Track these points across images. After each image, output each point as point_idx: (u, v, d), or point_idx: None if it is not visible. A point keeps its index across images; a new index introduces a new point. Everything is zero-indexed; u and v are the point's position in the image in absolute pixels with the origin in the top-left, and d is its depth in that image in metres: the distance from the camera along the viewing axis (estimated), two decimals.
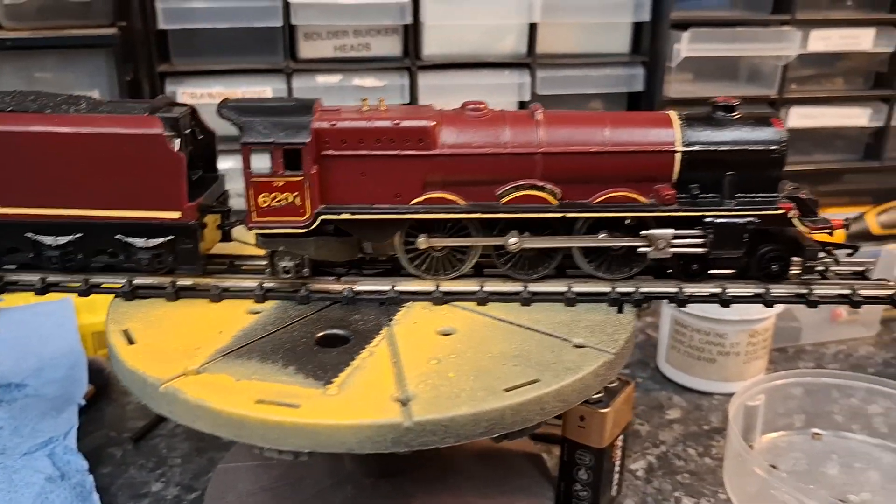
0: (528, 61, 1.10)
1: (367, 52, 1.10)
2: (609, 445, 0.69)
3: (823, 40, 1.14)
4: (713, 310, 0.86)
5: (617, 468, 0.72)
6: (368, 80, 1.08)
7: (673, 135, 0.60)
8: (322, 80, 1.07)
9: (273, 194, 0.59)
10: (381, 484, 0.70)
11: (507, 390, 0.52)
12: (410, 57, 1.08)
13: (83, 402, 0.82)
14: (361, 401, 0.51)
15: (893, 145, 1.23)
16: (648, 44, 1.11)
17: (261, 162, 0.59)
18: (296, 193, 0.59)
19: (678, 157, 0.60)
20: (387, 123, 0.59)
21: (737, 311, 0.88)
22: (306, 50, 1.09)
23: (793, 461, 0.81)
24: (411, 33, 1.07)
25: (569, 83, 1.11)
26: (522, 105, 1.12)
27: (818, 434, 0.85)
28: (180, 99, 1.04)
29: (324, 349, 0.57)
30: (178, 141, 0.60)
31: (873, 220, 1.18)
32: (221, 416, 0.50)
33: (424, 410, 0.50)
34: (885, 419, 0.84)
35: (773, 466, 0.80)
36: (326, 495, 0.69)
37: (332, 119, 0.59)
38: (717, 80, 1.19)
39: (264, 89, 1.06)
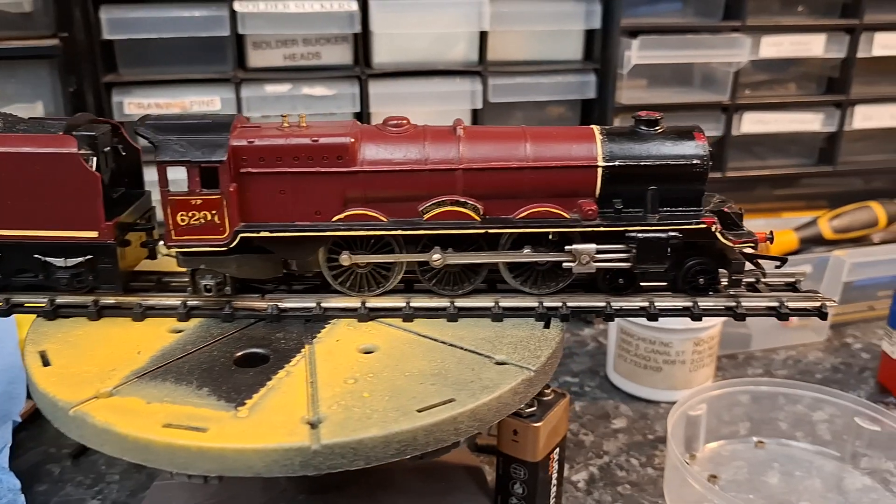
0: (480, 69, 1.09)
1: (317, 61, 1.09)
2: (544, 459, 0.69)
3: (775, 46, 1.14)
4: None
5: (554, 481, 0.72)
6: (318, 89, 1.07)
7: (594, 150, 0.60)
8: (271, 89, 1.06)
9: (191, 212, 0.58)
10: (315, 500, 0.69)
11: (420, 411, 0.52)
12: (360, 65, 1.07)
13: (19, 420, 0.81)
14: (271, 423, 0.50)
15: (846, 150, 1.23)
16: (600, 51, 1.11)
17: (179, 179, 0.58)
18: (214, 212, 0.58)
19: (600, 172, 0.60)
20: (305, 141, 0.58)
21: (681, 320, 0.88)
22: (255, 59, 1.08)
23: (734, 470, 0.81)
24: (361, 42, 1.07)
25: (521, 91, 1.11)
26: (475, 113, 1.12)
27: (761, 442, 0.85)
28: (127, 109, 1.03)
29: (241, 369, 0.57)
30: (94, 160, 0.59)
31: (826, 225, 1.19)
32: (128, 441, 0.50)
33: (333, 433, 0.49)
34: (829, 426, 0.84)
35: (714, 476, 0.80)
36: None
37: (251, 136, 0.59)
38: (671, 87, 1.19)
39: (212, 98, 1.05)
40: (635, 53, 1.08)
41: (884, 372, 0.95)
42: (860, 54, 1.17)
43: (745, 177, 1.22)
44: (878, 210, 1.21)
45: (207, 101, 1.05)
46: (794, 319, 1.04)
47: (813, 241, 1.18)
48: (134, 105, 1.03)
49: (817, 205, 1.28)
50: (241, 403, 0.52)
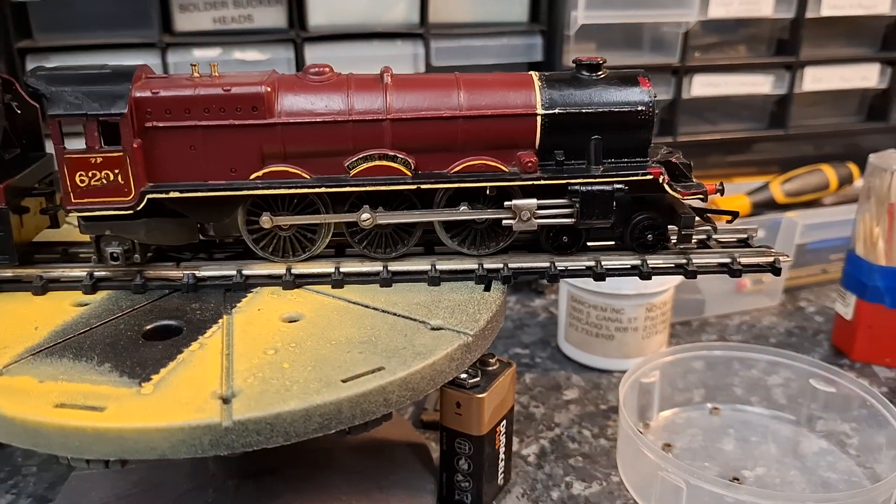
0: (422, 31, 1.04)
1: (249, 24, 1.03)
2: (490, 432, 0.65)
3: (724, 6, 1.11)
4: (609, 284, 0.83)
5: (502, 455, 0.68)
6: (251, 54, 1.01)
7: (533, 97, 0.56)
8: (200, 54, 1.00)
9: (91, 172, 0.53)
10: (246, 485, 0.64)
11: (345, 380, 0.47)
12: (295, 28, 1.02)
13: None
14: (177, 400, 0.45)
15: (797, 114, 1.21)
16: (546, 11, 1.07)
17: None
18: (117, 171, 0.53)
19: (539, 120, 0.56)
20: (216, 90, 0.53)
21: (633, 285, 0.85)
22: (182, 22, 1.01)
23: (689, 438, 0.78)
24: (295, 3, 1.01)
25: (465, 53, 1.06)
26: None
27: (716, 409, 0.82)
28: None
29: (150, 343, 0.52)
30: None
31: (778, 188, 1.17)
32: (14, 424, 0.44)
33: (247, 408, 0.45)
34: (784, 390, 0.82)
35: (668, 445, 0.77)
36: (185, 501, 0.63)
37: (156, 87, 0.53)
38: (621, 49, 1.15)
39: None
40: (582, 13, 1.04)
41: (838, 334, 0.93)
42: (809, 14, 1.15)
43: (696, 141, 1.19)
44: (829, 173, 1.19)
45: None
46: (747, 283, 1.04)
47: (765, 206, 1.16)
48: None
49: (769, 170, 1.26)
50: (146, 379, 0.47)
